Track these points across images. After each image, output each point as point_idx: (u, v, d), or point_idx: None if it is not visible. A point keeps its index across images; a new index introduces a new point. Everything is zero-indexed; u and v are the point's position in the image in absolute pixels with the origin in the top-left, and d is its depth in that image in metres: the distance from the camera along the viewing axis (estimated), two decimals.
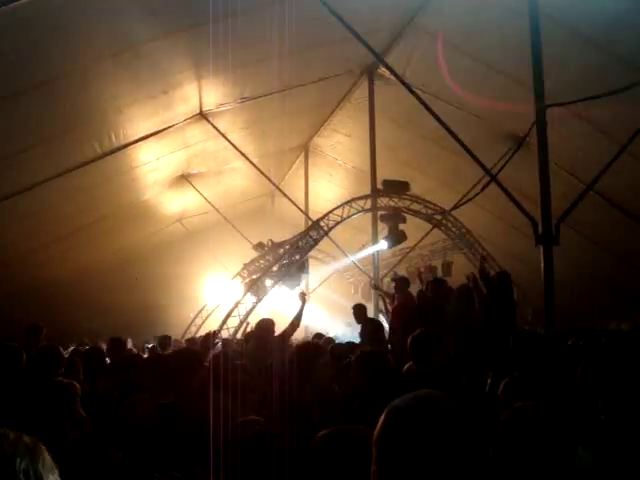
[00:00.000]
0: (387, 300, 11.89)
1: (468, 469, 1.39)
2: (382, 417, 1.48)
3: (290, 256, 14.76)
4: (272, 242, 17.75)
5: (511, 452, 2.51)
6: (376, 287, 14.15)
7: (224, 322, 14.20)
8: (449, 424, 1.41)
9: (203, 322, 23.12)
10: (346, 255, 17.53)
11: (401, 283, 11.18)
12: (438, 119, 9.31)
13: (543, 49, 8.38)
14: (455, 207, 13.02)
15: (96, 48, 8.53)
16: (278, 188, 17.61)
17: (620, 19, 9.41)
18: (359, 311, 10.88)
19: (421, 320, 8.89)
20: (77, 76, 8.82)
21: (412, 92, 9.45)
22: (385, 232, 15.16)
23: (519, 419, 2.58)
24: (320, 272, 22.65)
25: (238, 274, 20.96)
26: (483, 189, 10.15)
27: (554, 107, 8.85)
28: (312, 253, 16.05)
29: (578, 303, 14.97)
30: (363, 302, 12.38)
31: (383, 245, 15.13)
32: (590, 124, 11.61)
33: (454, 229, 16.13)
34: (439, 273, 17.57)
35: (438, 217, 15.32)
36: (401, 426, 1.42)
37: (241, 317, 14.17)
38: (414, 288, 11.76)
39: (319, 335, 11.07)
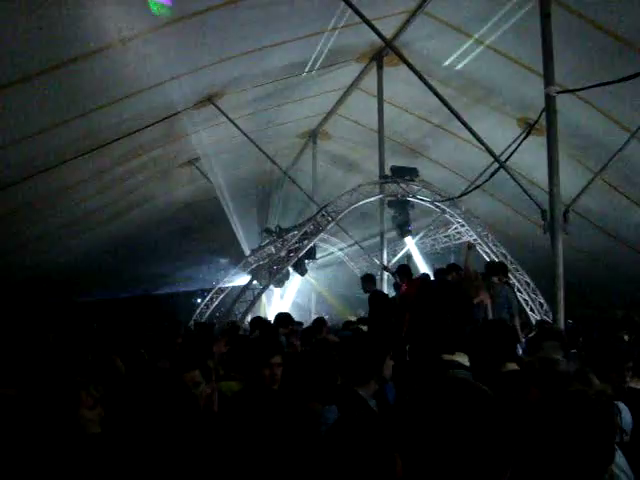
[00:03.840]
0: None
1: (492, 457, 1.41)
2: (408, 405, 1.51)
3: (298, 242, 14.78)
4: (280, 228, 17.77)
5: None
6: (385, 268, 14.24)
7: (232, 307, 14.28)
8: (477, 410, 1.42)
9: (211, 307, 23.20)
10: (354, 241, 17.58)
11: (404, 270, 11.19)
12: (447, 105, 9.30)
13: (553, 35, 8.36)
14: (463, 194, 13.00)
15: (104, 33, 8.52)
16: (286, 174, 17.63)
17: (632, 5, 9.34)
18: (367, 281, 11.02)
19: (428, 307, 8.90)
20: (86, 62, 8.80)
21: (421, 78, 9.45)
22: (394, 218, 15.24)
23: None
24: (328, 258, 22.70)
25: (246, 260, 21.00)
26: (492, 176, 10.14)
27: (564, 94, 8.84)
28: (320, 239, 16.09)
29: (587, 290, 14.99)
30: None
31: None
32: (600, 111, 11.55)
33: (462, 216, 16.15)
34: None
35: (446, 204, 15.31)
36: (425, 413, 1.44)
37: (248, 302, 14.24)
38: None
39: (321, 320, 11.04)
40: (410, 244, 17.59)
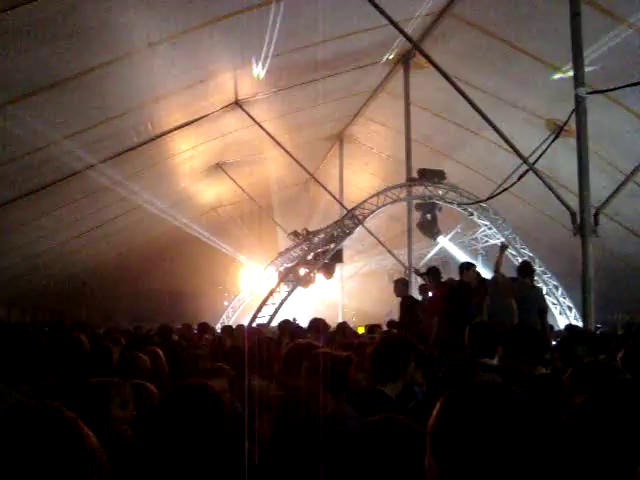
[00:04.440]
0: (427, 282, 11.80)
1: (532, 461, 1.37)
2: (438, 405, 1.47)
3: (325, 245, 14.77)
4: (307, 231, 17.77)
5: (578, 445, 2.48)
6: (417, 272, 14.20)
7: (259, 310, 14.28)
8: (511, 412, 1.39)
9: (238, 310, 23.31)
10: (381, 244, 17.52)
11: (434, 273, 11.13)
12: (475, 107, 9.22)
13: (584, 35, 8.25)
14: (491, 197, 12.88)
15: (133, 38, 8.59)
16: (313, 177, 17.63)
17: None
18: (401, 285, 10.95)
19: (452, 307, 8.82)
20: (114, 67, 8.88)
21: (448, 80, 9.38)
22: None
23: (590, 411, 2.55)
24: (355, 261, 22.67)
25: (272, 263, 21.06)
26: (520, 178, 10.03)
27: (594, 94, 8.72)
28: (347, 242, 16.05)
29: (617, 294, 14.76)
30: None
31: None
32: (631, 112, 11.40)
33: (490, 218, 16.04)
34: None
35: (474, 206, 15.20)
36: (460, 414, 1.40)
37: (276, 305, 14.23)
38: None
39: (344, 325, 10.97)
40: (447, 245, 17.59)
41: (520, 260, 15.11)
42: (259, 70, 11.19)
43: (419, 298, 11.71)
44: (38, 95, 8.55)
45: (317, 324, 8.66)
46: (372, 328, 10.93)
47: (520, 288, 9.37)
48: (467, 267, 9.99)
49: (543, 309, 9.48)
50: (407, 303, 10.61)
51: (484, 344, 5.14)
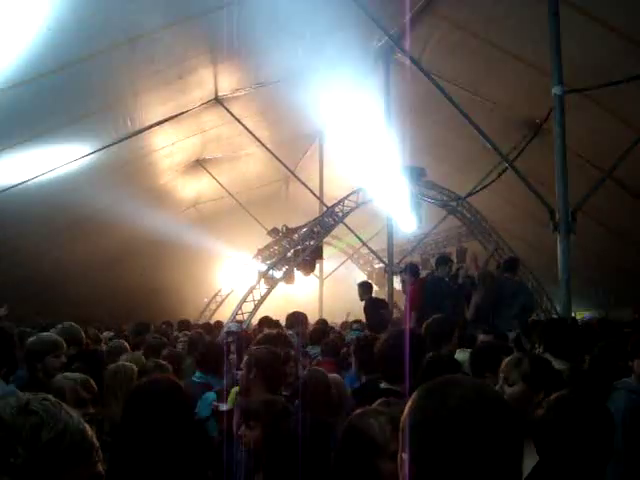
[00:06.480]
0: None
1: (503, 457, 1.38)
2: (410, 401, 1.47)
3: (305, 242, 14.75)
4: (287, 228, 17.73)
5: (552, 442, 2.51)
6: (393, 272, 14.21)
7: (238, 307, 14.23)
8: (483, 407, 1.39)
9: (217, 307, 23.25)
10: (361, 241, 17.53)
11: (411, 270, 11.15)
12: (455, 105, 9.26)
13: (561, 35, 8.31)
14: (471, 194, 12.94)
15: (112, 33, 8.52)
16: (293, 174, 17.59)
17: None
18: (364, 288, 10.95)
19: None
20: (93, 62, 8.81)
21: (429, 77, 9.41)
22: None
23: (562, 408, 2.59)
24: (334, 258, 22.67)
25: (252, 259, 21.00)
26: (499, 176, 10.10)
27: (572, 93, 8.78)
28: (327, 239, 16.04)
29: (594, 291, 14.90)
30: (376, 288, 12.38)
31: None
32: (608, 111, 11.48)
33: (469, 216, 16.09)
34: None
35: (453, 204, 15.24)
36: (432, 409, 1.41)
37: (255, 302, 14.19)
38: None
39: (324, 321, 10.99)
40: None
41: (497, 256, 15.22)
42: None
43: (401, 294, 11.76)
44: (14, 90, 8.46)
45: (295, 318, 8.66)
46: (352, 323, 10.99)
47: (503, 285, 9.40)
48: (443, 262, 10.01)
49: (528, 307, 9.49)
50: (368, 306, 10.64)
51: (439, 337, 5.25)
